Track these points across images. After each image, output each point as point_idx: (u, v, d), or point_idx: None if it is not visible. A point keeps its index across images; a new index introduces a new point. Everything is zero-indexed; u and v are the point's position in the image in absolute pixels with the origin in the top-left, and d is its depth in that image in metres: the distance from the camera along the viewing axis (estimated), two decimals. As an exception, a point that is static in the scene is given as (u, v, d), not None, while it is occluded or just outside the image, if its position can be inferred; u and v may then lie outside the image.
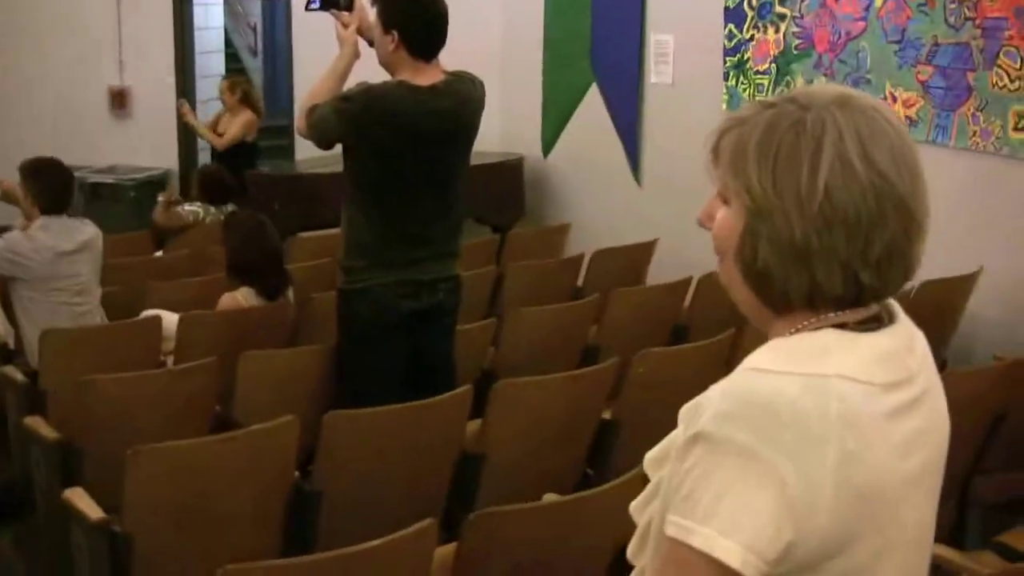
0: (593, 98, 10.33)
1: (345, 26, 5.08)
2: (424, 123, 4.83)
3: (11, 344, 6.56)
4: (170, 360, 5.83)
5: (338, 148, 4.98)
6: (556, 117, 10.83)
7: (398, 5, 4.86)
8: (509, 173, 10.76)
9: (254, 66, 16.42)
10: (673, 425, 1.68)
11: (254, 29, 16.32)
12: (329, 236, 8.46)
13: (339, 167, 5.11)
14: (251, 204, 9.92)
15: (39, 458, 5.03)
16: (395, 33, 4.82)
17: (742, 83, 8.72)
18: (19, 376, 5.84)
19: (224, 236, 6.48)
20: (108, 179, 12.42)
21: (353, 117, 4.79)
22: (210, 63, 13.80)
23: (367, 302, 5.00)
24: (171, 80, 12.91)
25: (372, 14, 4.98)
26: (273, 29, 15.79)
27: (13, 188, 6.60)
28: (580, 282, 7.68)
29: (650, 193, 9.76)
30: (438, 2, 4.90)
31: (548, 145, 10.99)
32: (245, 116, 10.83)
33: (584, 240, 9.02)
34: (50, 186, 6.24)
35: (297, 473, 4.20)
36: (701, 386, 1.63)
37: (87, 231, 6.33)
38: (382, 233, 4.96)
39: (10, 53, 12.73)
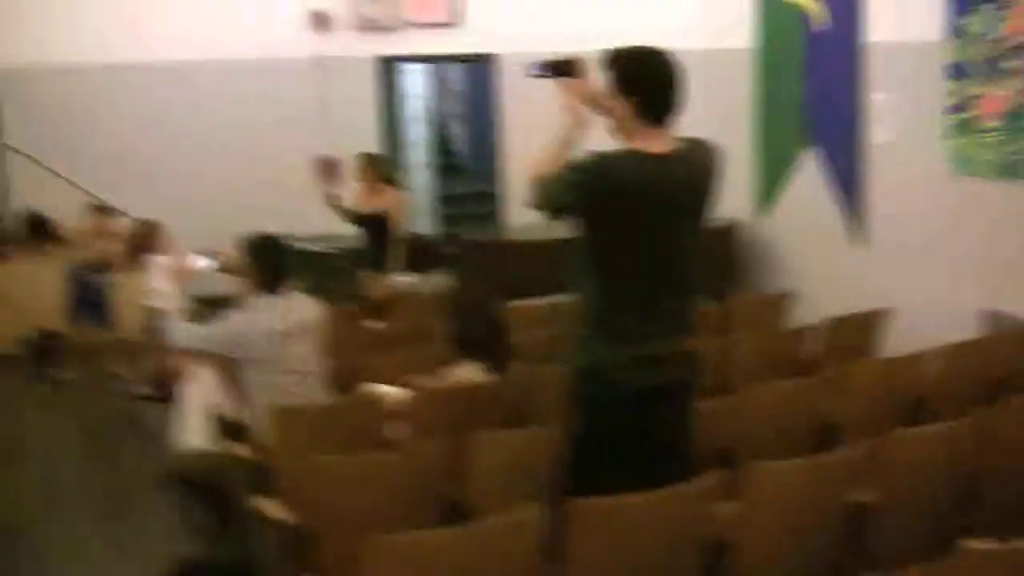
0: (807, 160, 10.03)
1: (570, 93, 4.89)
2: (656, 192, 4.61)
3: (239, 421, 6.53)
4: (393, 434, 5.71)
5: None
6: (769, 180, 10.55)
7: (632, 69, 4.66)
8: (722, 239, 10.49)
9: (457, 133, 16.51)
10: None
11: (457, 95, 16.40)
12: (541, 306, 8.32)
13: (550, 234, 4.92)
14: (460, 272, 9.88)
15: (268, 539, 4.94)
16: (628, 99, 4.62)
17: (968, 141, 8.30)
18: (246, 453, 5.78)
19: (447, 308, 6.35)
20: (319, 248, 12.54)
21: (583, 187, 4.59)
22: (415, 131, 13.90)
23: (599, 379, 4.77)
24: (376, 149, 13.00)
25: (601, 79, 4.79)
26: (476, 95, 15.84)
27: (233, 261, 6.58)
28: (808, 353, 7.34)
29: (875, 257, 9.38)
30: (673, 65, 4.68)
31: (762, 209, 10.70)
32: (397, 196, 10.67)
33: (805, 308, 8.68)
34: (269, 264, 6.17)
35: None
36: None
37: (306, 309, 6.24)
38: (613, 307, 4.74)
39: (221, 122, 12.99)
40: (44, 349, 11.57)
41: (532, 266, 9.54)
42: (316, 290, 11.35)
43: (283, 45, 12.92)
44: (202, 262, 6.66)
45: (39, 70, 12.84)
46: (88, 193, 11.54)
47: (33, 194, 12.40)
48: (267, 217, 12.29)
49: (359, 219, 10.67)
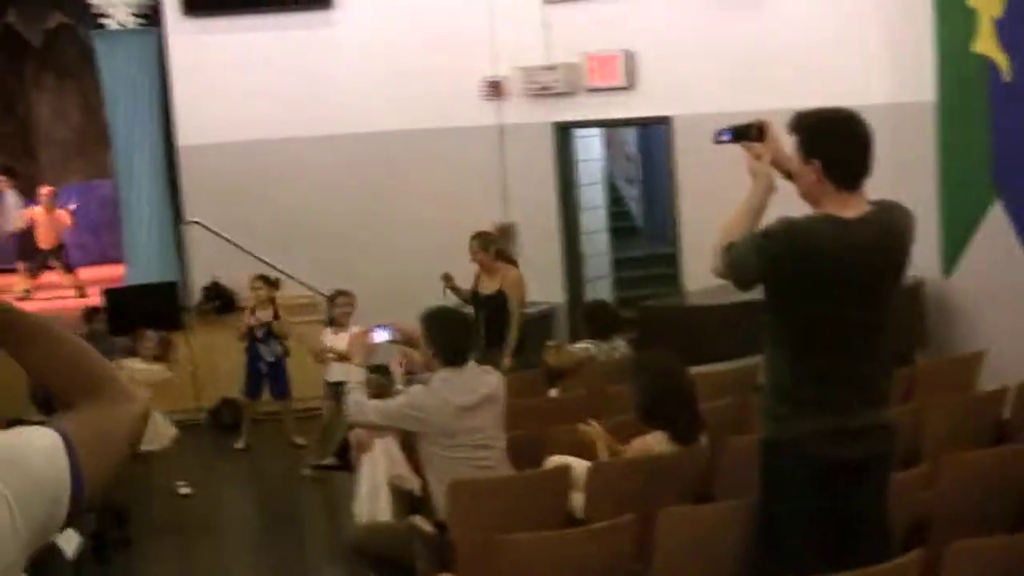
0: (996, 214, 9.65)
1: (758, 158, 4.74)
2: (850, 258, 4.43)
3: (417, 492, 6.48)
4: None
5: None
6: (956, 236, 10.18)
7: (821, 132, 4.51)
8: (908, 298, 10.13)
9: (631, 195, 16.42)
10: None
11: (632, 159, 16.34)
12: (724, 372, 8.12)
13: (729, 297, 4.76)
14: (640, 338, 9.73)
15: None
16: (817, 163, 4.46)
17: None
18: (427, 528, 5.72)
19: (633, 376, 6.21)
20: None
21: (775, 255, 4.43)
22: (592, 195, 13.84)
23: (792, 452, 4.58)
24: (554, 214, 12.99)
25: (789, 143, 4.64)
26: (652, 157, 15.74)
27: (413, 335, 6.56)
28: (1004, 418, 6.99)
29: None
30: (861, 127, 4.51)
31: (949, 265, 10.32)
32: (513, 273, 10.52)
33: (998, 369, 8.29)
34: (451, 338, 6.10)
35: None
36: None
37: (489, 382, 6.13)
38: (806, 376, 4.56)
39: (399, 191, 13.12)
40: (226, 418, 11.77)
41: (712, 330, 9.37)
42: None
43: (460, 114, 13.02)
44: (381, 335, 6.64)
45: (220, 146, 13.17)
46: (268, 264, 11.75)
47: (215, 265, 12.67)
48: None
49: (476, 300, 10.51)
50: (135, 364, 9.65)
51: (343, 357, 9.26)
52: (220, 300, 12.91)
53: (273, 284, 11.15)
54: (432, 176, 13.13)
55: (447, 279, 10.57)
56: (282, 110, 13.13)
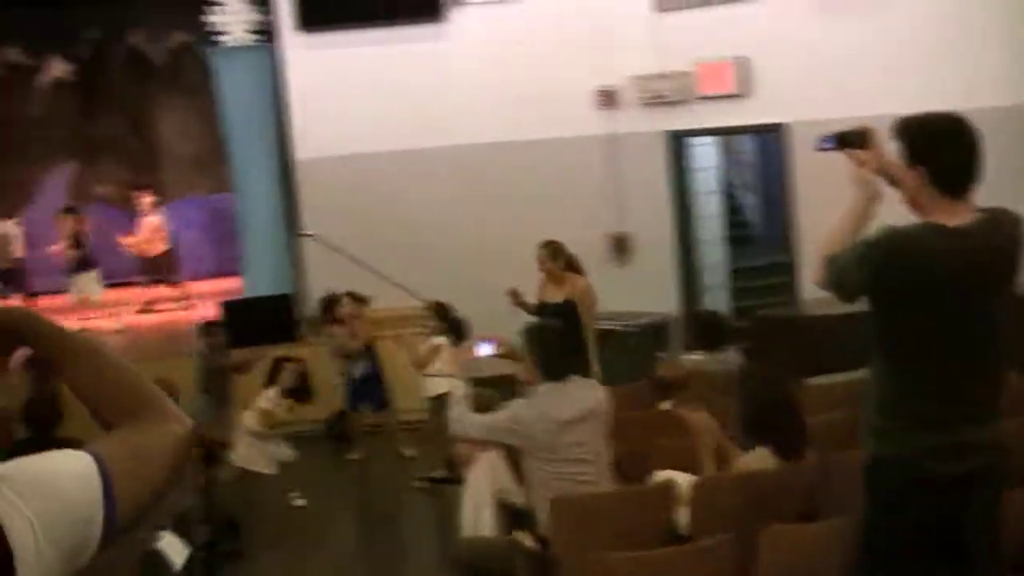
0: None
1: (862, 165, 4.60)
2: (954, 268, 4.27)
3: (524, 509, 6.42)
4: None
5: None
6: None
7: (925, 138, 4.35)
8: (1020, 305, 9.82)
9: (749, 204, 16.19)
10: None
11: (749, 166, 16.11)
12: (840, 384, 7.93)
13: (847, 307, 4.60)
14: (752, 349, 9.56)
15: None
16: (922, 169, 4.31)
17: None
18: (529, 543, 5.66)
19: (738, 389, 6.09)
20: (611, 326, 12.43)
21: (878, 265, 4.29)
22: (707, 203, 13.69)
23: (898, 469, 4.43)
24: (668, 223, 12.88)
25: (893, 150, 4.49)
26: (767, 165, 15.50)
27: (515, 349, 6.51)
28: None
29: None
30: (968, 133, 4.34)
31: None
32: (582, 283, 10.06)
33: None
34: (553, 352, 6.02)
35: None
36: None
37: (592, 396, 6.05)
38: (913, 391, 4.40)
39: (511, 202, 13.11)
40: (340, 429, 11.84)
41: (829, 341, 9.16)
42: (611, 369, 11.30)
43: (573, 124, 12.98)
44: (484, 349, 6.61)
45: (335, 159, 13.29)
46: (380, 275, 11.78)
47: (330, 277, 12.76)
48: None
49: (544, 310, 10.06)
50: (269, 394, 9.76)
51: (445, 369, 9.31)
52: (329, 312, 12.99)
53: (361, 301, 11.21)
54: (544, 187, 13.10)
55: (514, 295, 10.32)
56: (395, 123, 13.21)
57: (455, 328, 10.25)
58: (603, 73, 12.80)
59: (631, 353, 11.78)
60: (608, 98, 12.89)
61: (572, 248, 12.71)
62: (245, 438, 9.54)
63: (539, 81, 12.92)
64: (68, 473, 1.78)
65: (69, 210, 15.48)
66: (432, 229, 13.08)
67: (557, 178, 13.10)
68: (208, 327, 11.34)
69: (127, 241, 15.98)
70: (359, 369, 11.03)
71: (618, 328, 12.31)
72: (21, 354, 1.94)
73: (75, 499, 1.76)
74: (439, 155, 13.25)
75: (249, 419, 9.68)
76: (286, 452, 9.85)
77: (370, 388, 11.07)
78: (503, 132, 13.14)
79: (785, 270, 12.64)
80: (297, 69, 13.55)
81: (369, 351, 11.07)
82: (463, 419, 6.05)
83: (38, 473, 1.76)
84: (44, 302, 16.70)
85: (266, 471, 9.54)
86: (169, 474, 1.94)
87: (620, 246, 13.11)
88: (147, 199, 16.05)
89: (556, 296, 9.99)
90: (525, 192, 13.19)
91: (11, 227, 16.54)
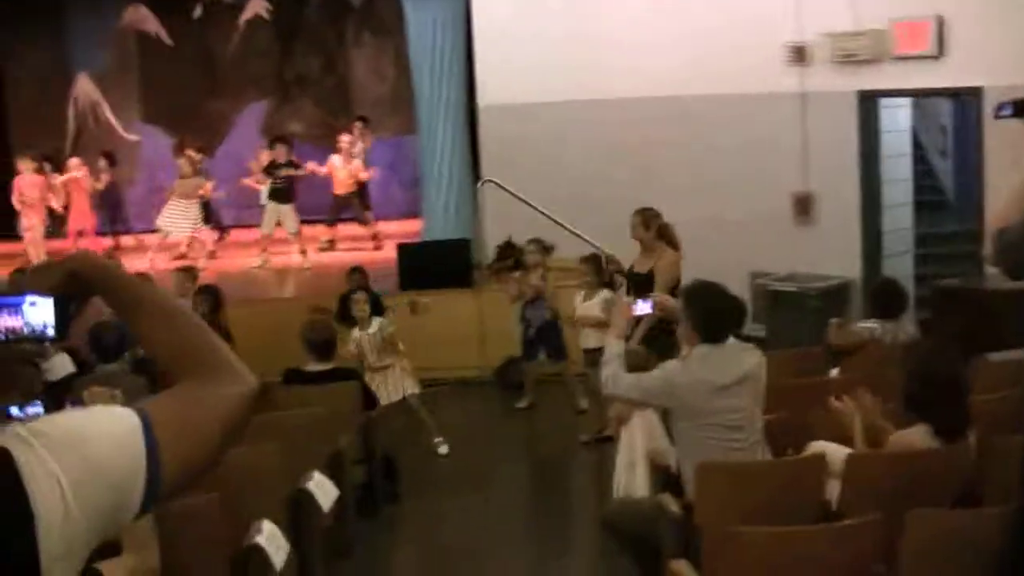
0: None
1: (1041, 137, 4.37)
2: None
3: (674, 469, 6.33)
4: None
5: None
6: None
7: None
8: None
9: (943, 168, 15.66)
10: None
11: (944, 130, 15.57)
12: (1016, 362, 7.61)
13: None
14: (931, 320, 9.26)
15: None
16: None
17: None
18: (674, 508, 5.59)
19: (903, 362, 5.89)
20: (789, 287, 12.22)
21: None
22: (897, 167, 13.27)
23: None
24: (855, 185, 12.54)
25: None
26: (964, 129, 14.95)
27: (672, 306, 6.40)
28: None
29: None
30: None
31: None
32: (669, 256, 9.48)
33: None
34: (710, 314, 5.87)
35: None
36: None
37: (749, 360, 5.89)
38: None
39: (693, 157, 12.93)
40: (511, 377, 11.87)
41: (1013, 315, 8.81)
42: (784, 326, 11.07)
43: (761, 80, 12.71)
44: (642, 307, 6.50)
45: (516, 107, 13.28)
46: (559, 223, 11.74)
47: (509, 224, 12.77)
48: (740, 253, 12.18)
49: (629, 277, 9.76)
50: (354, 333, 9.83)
51: (600, 324, 9.19)
52: (513, 259, 13.02)
53: (547, 249, 11.12)
54: (729, 142, 12.87)
55: (612, 262, 10.17)
56: (579, 72, 13.13)
57: (610, 283, 10.17)
58: (794, 29, 12.47)
59: (808, 316, 11.54)
60: (799, 54, 12.56)
61: (755, 206, 12.58)
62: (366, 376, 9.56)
63: (728, 34, 12.68)
64: (107, 435, 1.77)
65: (277, 140, 15.70)
66: (609, 182, 12.95)
67: (742, 134, 12.85)
68: (351, 272, 11.44)
69: (325, 171, 16.03)
70: (537, 318, 10.97)
71: (796, 290, 12.08)
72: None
73: (111, 463, 1.74)
74: (621, 106, 13.10)
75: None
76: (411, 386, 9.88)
77: (548, 337, 10.98)
78: (688, 85, 12.94)
79: (974, 238, 12.19)
80: (483, 16, 13.55)
81: (548, 300, 10.99)
82: (616, 378, 5.96)
83: (74, 433, 1.75)
84: (236, 234, 17.23)
85: (398, 398, 9.60)
86: (226, 437, 1.91)
87: (804, 206, 12.82)
88: (345, 138, 16.20)
89: (644, 265, 9.56)
90: (708, 147, 12.97)
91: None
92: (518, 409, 11.39)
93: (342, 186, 15.90)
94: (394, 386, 9.77)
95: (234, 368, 1.96)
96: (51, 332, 1.83)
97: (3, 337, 1.81)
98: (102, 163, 16.85)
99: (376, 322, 9.82)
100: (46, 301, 1.83)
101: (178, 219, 15.43)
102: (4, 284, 2.00)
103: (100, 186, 16.55)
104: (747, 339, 6.47)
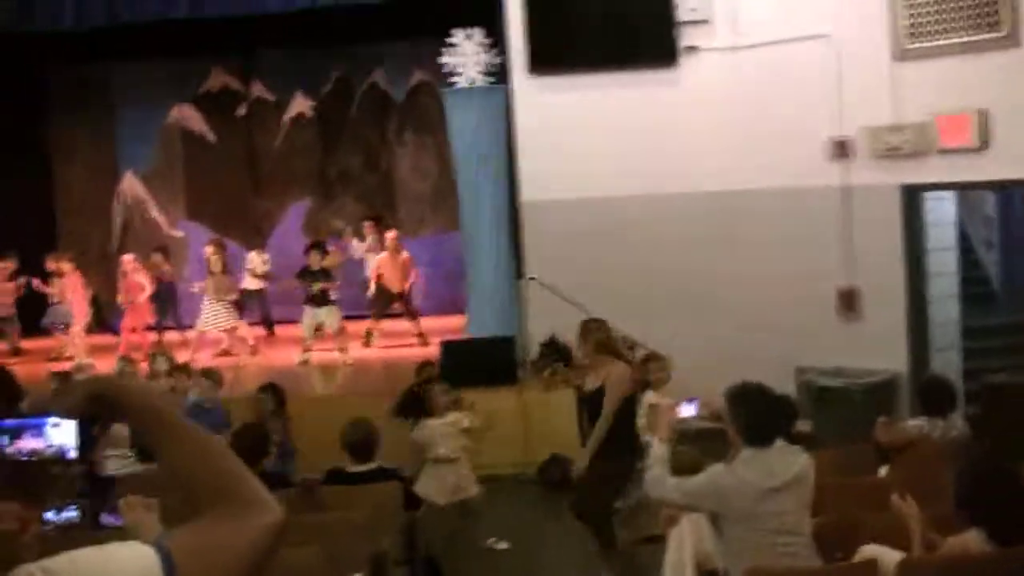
0: None
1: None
2: None
3: (722, 573, 6.22)
4: None
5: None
6: None
7: None
8: None
9: (990, 260, 15.55)
10: None
11: (989, 221, 15.48)
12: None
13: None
14: (982, 417, 9.12)
15: None
16: None
17: None
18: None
19: (955, 462, 5.78)
20: (835, 382, 12.11)
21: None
22: (942, 259, 13.16)
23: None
24: (900, 278, 12.44)
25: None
26: (1010, 221, 14.86)
27: (718, 408, 6.31)
28: None
29: None
30: None
31: None
32: (617, 370, 9.02)
33: None
34: (755, 417, 5.79)
35: None
36: None
37: (797, 463, 5.79)
38: None
39: (732, 248, 12.90)
40: (554, 475, 11.75)
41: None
42: (829, 421, 10.91)
43: (803, 175, 12.71)
44: (687, 409, 6.43)
45: (560, 203, 13.31)
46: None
47: (553, 321, 12.73)
48: (786, 348, 12.09)
49: (582, 401, 9.35)
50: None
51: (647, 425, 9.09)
52: (557, 356, 12.94)
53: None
54: (774, 236, 12.85)
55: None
56: (622, 168, 13.18)
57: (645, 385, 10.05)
58: (837, 123, 12.47)
59: (855, 411, 11.40)
60: (841, 149, 12.55)
61: (800, 300, 12.48)
62: (428, 468, 9.48)
63: (771, 129, 12.71)
64: (123, 572, 1.72)
65: (311, 247, 15.77)
66: (655, 276, 12.95)
67: (787, 228, 12.83)
68: (421, 367, 11.42)
69: (373, 274, 16.15)
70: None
71: (842, 385, 11.96)
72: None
73: None
74: (665, 201, 13.14)
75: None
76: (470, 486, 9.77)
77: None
78: (732, 179, 12.96)
79: (1022, 330, 12.07)
80: (526, 111, 13.62)
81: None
82: (661, 481, 5.88)
83: (90, 570, 1.71)
84: (281, 330, 17.27)
85: (441, 502, 9.45)
86: (250, 568, 1.86)
87: (849, 300, 12.73)
88: (391, 234, 16.30)
89: (593, 383, 9.13)
90: (754, 241, 12.95)
91: (255, 257, 17.03)
92: (567, 509, 11.17)
93: (387, 282, 15.96)
94: (463, 480, 9.66)
95: (260, 499, 1.91)
96: (73, 454, 1.81)
97: (26, 458, 1.79)
98: (158, 257, 16.98)
99: (454, 414, 9.76)
100: (69, 423, 1.81)
101: (214, 315, 15.51)
102: (43, 401, 1.98)
103: (161, 279, 16.73)
104: (794, 436, 6.36)
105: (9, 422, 1.82)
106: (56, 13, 14.21)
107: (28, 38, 14.92)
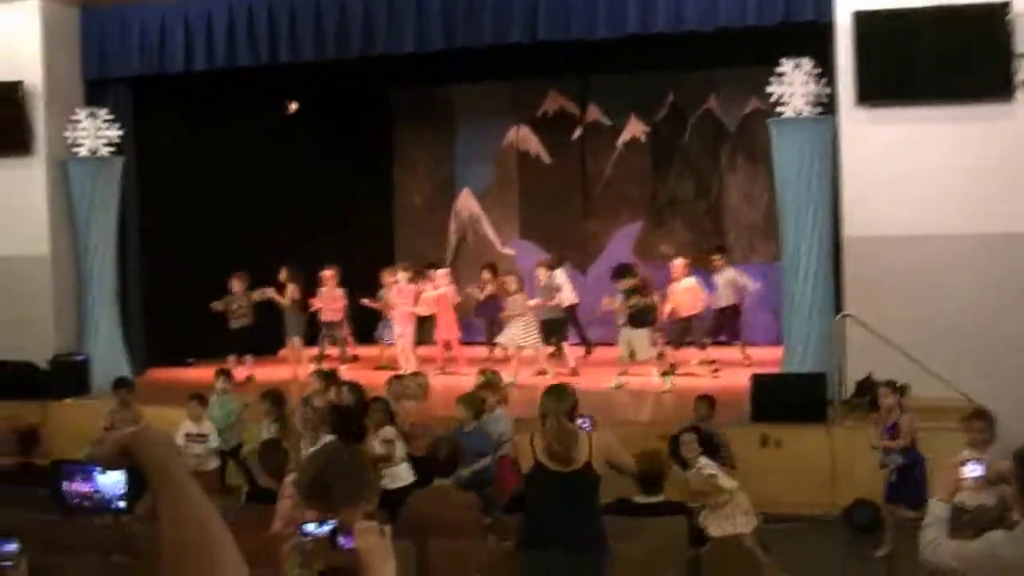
0: None
1: None
2: None
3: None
4: None
5: None
6: None
7: None
8: None
9: None
10: None
11: None
12: None
13: None
14: None
15: None
16: None
17: None
18: None
19: None
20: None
21: None
22: None
23: None
24: None
25: None
26: None
27: (1005, 473, 5.91)
28: None
29: None
30: None
31: None
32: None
33: None
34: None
35: None
36: None
37: None
38: None
39: None
40: (860, 518, 11.36)
41: None
42: None
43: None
44: (974, 470, 6.04)
45: (885, 239, 12.89)
46: (919, 364, 11.25)
47: (871, 360, 12.37)
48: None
49: None
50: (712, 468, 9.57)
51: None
52: (871, 396, 12.56)
53: (898, 390, 10.64)
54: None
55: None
56: (950, 205, 12.61)
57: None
58: None
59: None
60: None
61: None
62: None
63: None
64: None
65: (627, 269, 15.83)
66: (979, 322, 12.35)
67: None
68: (700, 400, 11.29)
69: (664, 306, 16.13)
70: (895, 460, 10.46)
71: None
72: None
73: None
74: (995, 242, 12.50)
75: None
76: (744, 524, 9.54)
77: (908, 483, 10.43)
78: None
79: None
80: (853, 143, 13.22)
81: (906, 443, 10.46)
82: (936, 544, 5.56)
83: None
84: (597, 353, 17.38)
85: (718, 535, 9.24)
86: None
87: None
88: (681, 261, 16.29)
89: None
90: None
91: (559, 276, 17.19)
92: (876, 557, 10.76)
93: (685, 308, 15.97)
94: (743, 514, 9.50)
95: (235, 565, 1.91)
96: (120, 504, 1.87)
97: (77, 501, 1.87)
98: (486, 275, 17.41)
99: (701, 462, 9.62)
100: (117, 472, 1.88)
101: (521, 333, 15.80)
102: (103, 451, 2.04)
103: (480, 297, 17.19)
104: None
105: (71, 466, 1.91)
106: (398, 38, 14.79)
107: (372, 62, 15.55)
